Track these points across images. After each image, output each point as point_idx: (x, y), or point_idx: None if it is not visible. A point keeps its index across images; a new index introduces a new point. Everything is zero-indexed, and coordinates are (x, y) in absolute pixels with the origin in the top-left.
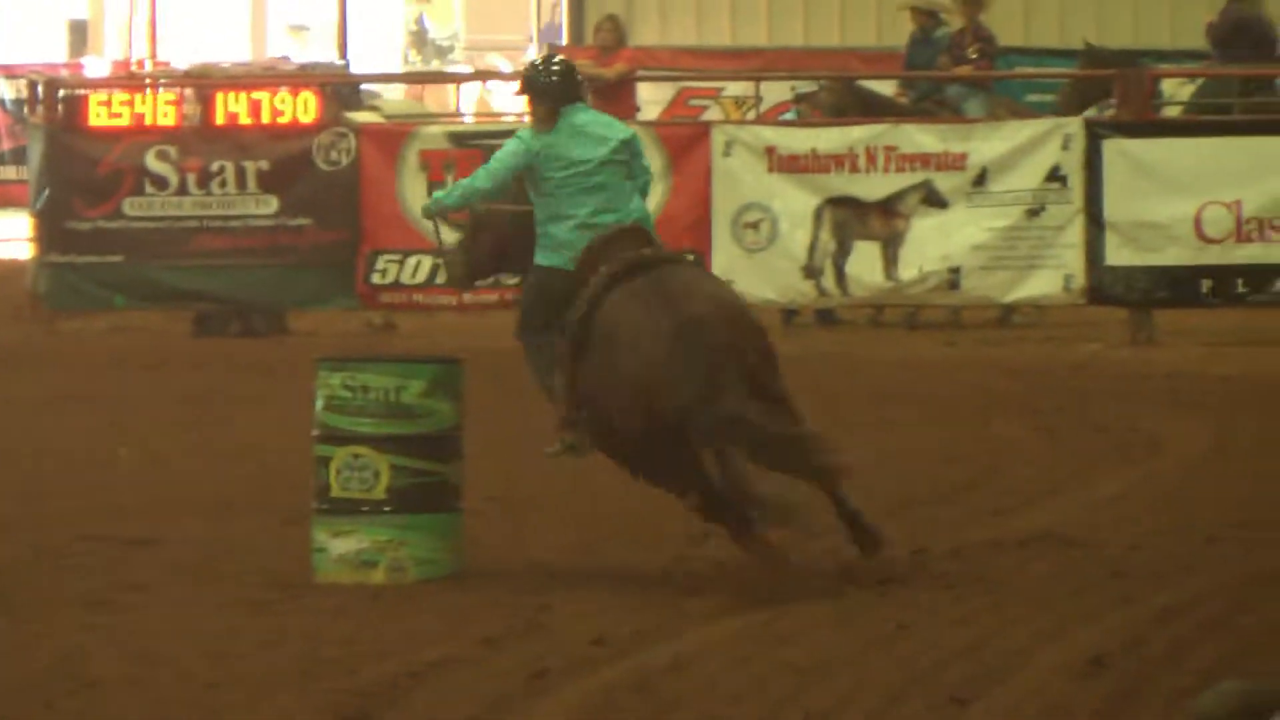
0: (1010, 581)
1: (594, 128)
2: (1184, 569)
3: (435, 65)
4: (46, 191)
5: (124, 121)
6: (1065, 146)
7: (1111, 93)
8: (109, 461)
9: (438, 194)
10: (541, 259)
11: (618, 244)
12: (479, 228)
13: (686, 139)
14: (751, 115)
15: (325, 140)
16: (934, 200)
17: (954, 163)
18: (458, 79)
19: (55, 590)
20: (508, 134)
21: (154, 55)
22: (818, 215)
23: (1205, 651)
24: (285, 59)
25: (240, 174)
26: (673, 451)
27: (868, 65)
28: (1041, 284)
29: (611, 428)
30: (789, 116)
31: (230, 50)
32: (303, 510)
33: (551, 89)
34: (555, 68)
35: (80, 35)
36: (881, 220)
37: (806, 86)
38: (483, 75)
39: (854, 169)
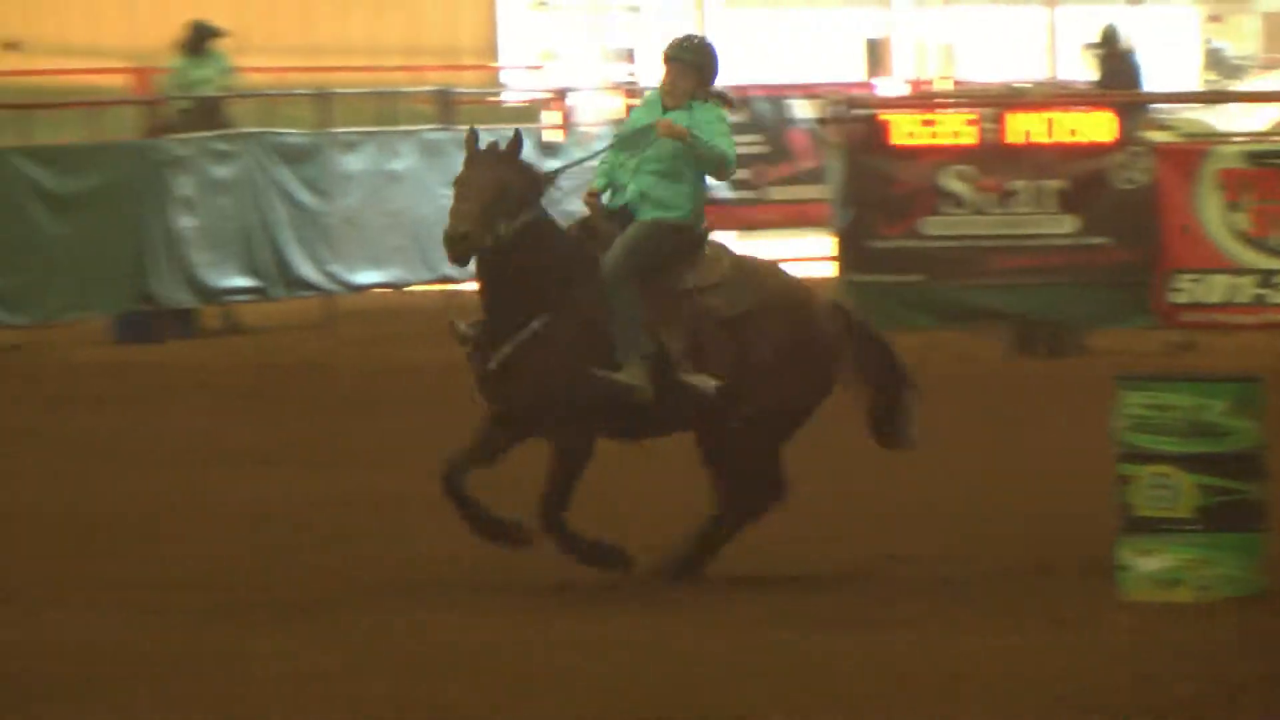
0: None
1: None
2: None
3: (1231, 84)
4: (849, 211)
5: (922, 141)
6: None
7: None
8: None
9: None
10: (691, 220)
11: None
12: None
13: None
14: None
15: (1122, 159)
16: None
17: None
18: (1253, 98)
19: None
20: None
21: (949, 74)
22: None
23: None
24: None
25: (1038, 193)
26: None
27: None
28: None
29: (780, 397)
30: None
31: (1025, 70)
32: (1097, 529)
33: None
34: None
35: (877, 55)
36: None
37: None
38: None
39: None
